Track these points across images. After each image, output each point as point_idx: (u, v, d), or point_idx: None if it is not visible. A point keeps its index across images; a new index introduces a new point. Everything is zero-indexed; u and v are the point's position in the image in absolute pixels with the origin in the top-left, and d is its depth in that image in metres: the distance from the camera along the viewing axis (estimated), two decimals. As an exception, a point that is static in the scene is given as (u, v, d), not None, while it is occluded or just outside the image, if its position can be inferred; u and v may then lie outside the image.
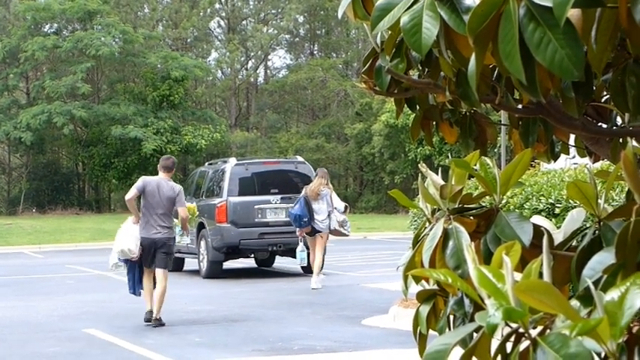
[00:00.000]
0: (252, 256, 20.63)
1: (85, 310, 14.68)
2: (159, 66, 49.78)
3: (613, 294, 1.67)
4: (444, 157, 40.50)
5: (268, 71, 61.74)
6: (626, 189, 2.34)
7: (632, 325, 1.75)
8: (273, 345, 11.17)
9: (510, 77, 2.11)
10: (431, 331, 2.61)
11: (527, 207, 9.97)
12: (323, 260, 17.57)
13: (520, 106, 2.68)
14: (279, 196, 19.67)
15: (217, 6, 57.18)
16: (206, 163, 24.38)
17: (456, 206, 2.50)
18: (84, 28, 49.59)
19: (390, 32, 2.50)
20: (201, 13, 55.89)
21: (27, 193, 49.42)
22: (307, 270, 18.76)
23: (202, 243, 19.88)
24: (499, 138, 15.78)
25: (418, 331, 2.62)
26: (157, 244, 12.81)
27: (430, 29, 2.10)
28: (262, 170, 20.44)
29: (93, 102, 49.88)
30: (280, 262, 21.69)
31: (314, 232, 17.29)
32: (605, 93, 2.73)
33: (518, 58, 1.87)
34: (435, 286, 2.62)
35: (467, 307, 2.44)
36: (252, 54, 57.67)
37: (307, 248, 17.72)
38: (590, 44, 2.03)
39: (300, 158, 21.58)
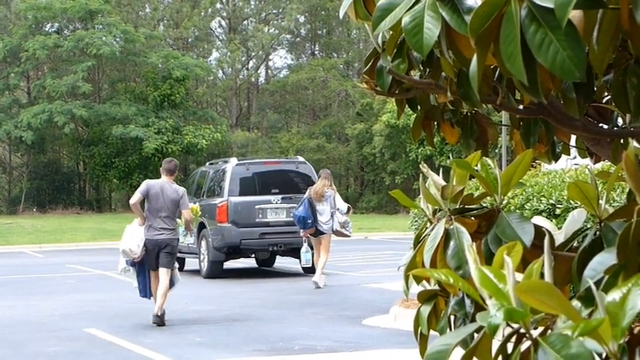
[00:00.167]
0: (253, 256, 20.64)
1: (85, 310, 14.68)
2: (160, 65, 49.79)
3: (614, 295, 1.67)
4: (445, 158, 40.50)
5: (269, 71, 61.79)
6: (627, 190, 2.34)
7: (633, 325, 1.75)
8: (273, 345, 11.18)
9: (512, 78, 2.12)
10: (432, 332, 2.61)
11: (528, 207, 9.97)
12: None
13: (521, 107, 2.68)
14: (279, 196, 19.68)
15: (218, 6, 57.21)
16: (207, 163, 24.39)
17: (457, 207, 2.50)
18: (85, 28, 49.61)
19: (391, 32, 2.50)
20: (202, 13, 55.92)
21: (28, 192, 49.44)
22: (308, 270, 18.75)
23: (203, 243, 19.89)
24: (500, 138, 15.77)
25: (419, 332, 2.63)
26: (161, 246, 12.86)
27: (432, 29, 2.10)
28: (263, 170, 20.44)
29: (94, 101, 49.89)
30: (281, 262, 21.70)
31: (318, 233, 17.31)
32: (606, 94, 2.74)
33: (519, 59, 1.87)
34: (436, 287, 2.62)
35: (468, 307, 2.44)
36: (253, 54, 57.69)
37: (312, 249, 17.73)
38: (592, 45, 2.03)
39: (301, 158, 21.58)
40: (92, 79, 51.41)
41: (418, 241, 2.59)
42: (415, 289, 2.67)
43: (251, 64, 58.59)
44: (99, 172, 49.63)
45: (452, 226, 2.42)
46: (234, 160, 20.92)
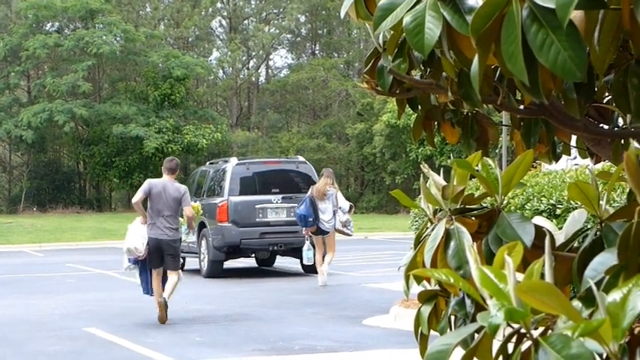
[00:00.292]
0: (253, 255, 20.65)
1: (85, 309, 14.68)
2: (160, 65, 49.80)
3: (615, 295, 1.67)
4: (445, 158, 40.50)
5: (270, 71, 61.80)
6: (628, 190, 2.34)
7: (634, 326, 1.75)
8: (273, 345, 11.17)
9: (513, 78, 2.11)
10: (432, 332, 2.61)
11: (528, 208, 9.97)
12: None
13: (522, 107, 2.69)
14: (280, 196, 19.69)
15: (219, 5, 57.22)
16: (207, 163, 24.40)
17: (458, 207, 2.50)
18: (85, 27, 49.61)
19: (392, 32, 2.50)
20: (202, 13, 55.94)
21: (28, 191, 49.45)
22: (309, 270, 18.75)
23: (203, 242, 19.89)
24: (501, 139, 15.76)
25: (419, 332, 2.62)
26: (164, 246, 12.89)
27: (433, 29, 2.10)
28: (263, 170, 20.45)
29: (94, 101, 49.91)
30: (281, 262, 21.70)
31: (319, 231, 17.35)
32: (607, 94, 2.74)
33: (520, 59, 1.87)
34: (437, 287, 2.62)
35: (468, 307, 2.44)
36: (253, 53, 57.70)
37: (313, 247, 17.75)
38: (593, 46, 2.03)
39: (301, 158, 21.60)
40: (92, 78, 51.42)
41: (419, 241, 2.58)
42: (415, 289, 2.67)
43: (251, 63, 58.62)
44: (99, 171, 49.65)
45: (452, 226, 2.42)
46: (234, 160, 20.93)
